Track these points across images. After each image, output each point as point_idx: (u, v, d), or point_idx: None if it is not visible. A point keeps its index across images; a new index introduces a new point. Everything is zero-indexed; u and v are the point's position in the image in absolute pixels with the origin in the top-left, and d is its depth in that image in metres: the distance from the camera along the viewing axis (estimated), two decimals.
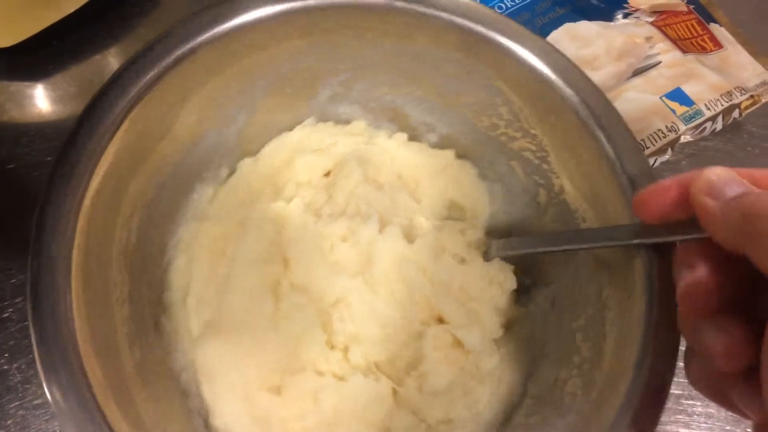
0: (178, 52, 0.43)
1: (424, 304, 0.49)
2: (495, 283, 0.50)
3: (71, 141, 0.39)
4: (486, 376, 0.49)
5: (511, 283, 0.51)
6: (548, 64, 0.46)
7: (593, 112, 0.45)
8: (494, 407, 0.49)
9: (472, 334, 0.48)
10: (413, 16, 0.47)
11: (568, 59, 0.47)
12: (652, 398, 0.38)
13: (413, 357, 0.49)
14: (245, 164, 0.53)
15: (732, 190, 0.32)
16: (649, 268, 0.41)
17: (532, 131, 0.50)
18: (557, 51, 0.47)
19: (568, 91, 0.46)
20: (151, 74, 0.42)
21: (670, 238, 0.38)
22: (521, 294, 0.53)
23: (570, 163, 0.49)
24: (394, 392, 0.48)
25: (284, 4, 0.46)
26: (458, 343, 0.49)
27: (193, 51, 0.44)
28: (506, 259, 0.52)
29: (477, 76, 0.50)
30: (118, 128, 0.41)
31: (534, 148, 0.51)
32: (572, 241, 0.46)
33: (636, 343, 0.40)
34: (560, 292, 0.51)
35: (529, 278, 0.54)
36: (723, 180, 0.33)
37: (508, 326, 0.52)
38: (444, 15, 0.47)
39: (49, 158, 0.58)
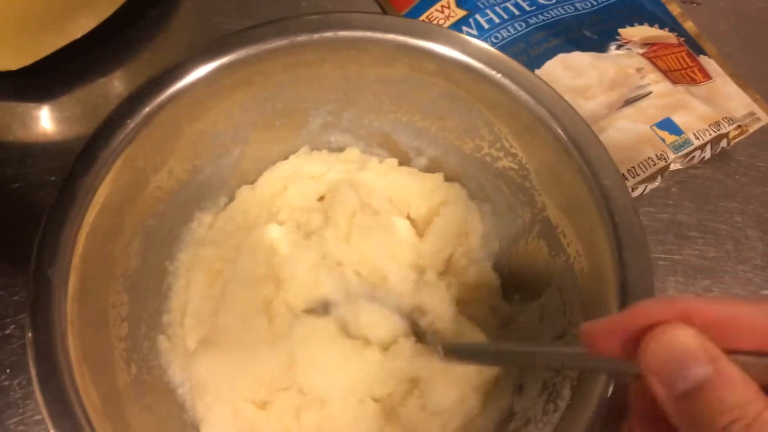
0: (169, 90, 0.47)
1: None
2: (483, 285, 0.53)
3: (69, 176, 0.43)
4: (480, 387, 0.50)
5: (495, 279, 0.54)
6: (516, 82, 0.48)
7: (563, 125, 0.47)
8: (486, 417, 0.50)
9: None
10: (391, 46, 0.50)
11: (537, 77, 0.49)
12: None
13: (415, 374, 0.50)
14: (243, 191, 0.56)
15: (684, 382, 0.27)
16: None
17: (512, 150, 0.52)
18: (526, 70, 0.49)
19: (539, 109, 0.48)
20: (144, 112, 0.45)
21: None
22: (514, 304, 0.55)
23: (548, 179, 0.50)
24: (387, 413, 0.50)
25: (269, 43, 0.49)
26: None
27: (185, 89, 0.47)
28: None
29: (457, 100, 0.52)
30: (113, 164, 0.44)
31: (516, 166, 0.52)
32: (525, 359, 0.42)
33: None
34: (547, 306, 0.52)
35: (519, 293, 0.55)
36: (675, 364, 0.27)
37: (504, 325, 0.53)
38: (421, 43, 0.50)
39: (53, 178, 0.60)
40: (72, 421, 0.38)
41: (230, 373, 0.48)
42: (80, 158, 0.44)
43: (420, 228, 0.56)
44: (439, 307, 0.51)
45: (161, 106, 0.47)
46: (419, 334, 0.51)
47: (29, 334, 0.39)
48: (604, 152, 0.46)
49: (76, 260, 0.42)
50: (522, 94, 0.48)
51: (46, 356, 0.39)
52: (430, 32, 0.50)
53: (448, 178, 0.58)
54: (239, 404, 0.47)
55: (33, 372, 0.38)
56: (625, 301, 0.42)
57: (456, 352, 0.45)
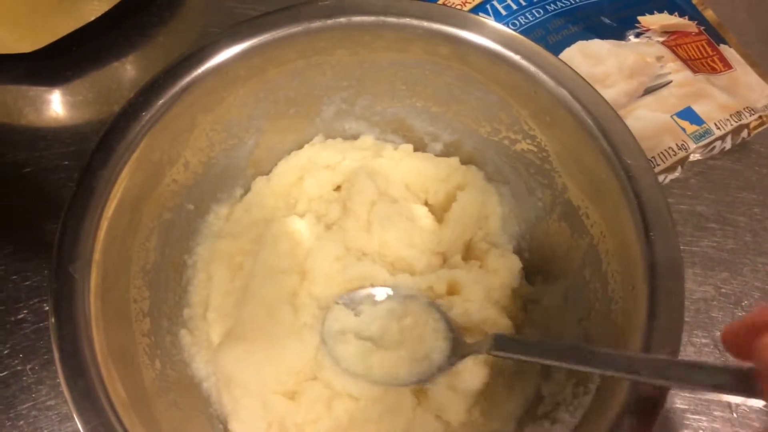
0: (184, 81, 0.46)
1: None
2: (504, 267, 0.52)
3: (87, 170, 0.42)
4: (506, 370, 0.50)
5: (517, 263, 0.53)
6: (536, 64, 0.47)
7: (585, 106, 0.46)
8: (513, 402, 0.50)
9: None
10: (405, 30, 0.49)
11: (557, 59, 0.48)
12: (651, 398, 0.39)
13: None
14: (259, 183, 0.56)
15: None
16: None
17: (531, 132, 0.51)
18: (545, 52, 0.48)
19: (560, 90, 0.47)
20: (158, 104, 0.45)
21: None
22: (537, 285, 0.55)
23: (569, 160, 0.49)
24: (419, 395, 0.50)
25: (283, 30, 0.48)
26: None
27: (198, 79, 0.46)
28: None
29: (473, 83, 0.51)
30: (129, 158, 0.43)
31: (535, 149, 0.52)
32: (581, 362, 0.40)
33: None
34: (571, 287, 0.51)
35: (541, 274, 0.54)
36: None
37: (526, 306, 0.53)
38: (435, 27, 0.49)
39: (66, 162, 0.59)
40: (101, 418, 0.37)
41: (258, 366, 0.47)
42: (97, 151, 0.43)
43: (438, 213, 0.56)
44: (467, 293, 0.50)
45: (175, 98, 0.46)
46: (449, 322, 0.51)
47: (54, 332, 0.38)
48: (626, 132, 0.46)
49: (96, 256, 0.41)
50: (541, 75, 0.47)
51: (72, 353, 0.38)
52: (445, 15, 0.49)
53: (464, 163, 0.57)
54: (268, 396, 0.47)
55: (60, 369, 0.38)
56: (654, 280, 0.41)
57: (506, 346, 0.45)
